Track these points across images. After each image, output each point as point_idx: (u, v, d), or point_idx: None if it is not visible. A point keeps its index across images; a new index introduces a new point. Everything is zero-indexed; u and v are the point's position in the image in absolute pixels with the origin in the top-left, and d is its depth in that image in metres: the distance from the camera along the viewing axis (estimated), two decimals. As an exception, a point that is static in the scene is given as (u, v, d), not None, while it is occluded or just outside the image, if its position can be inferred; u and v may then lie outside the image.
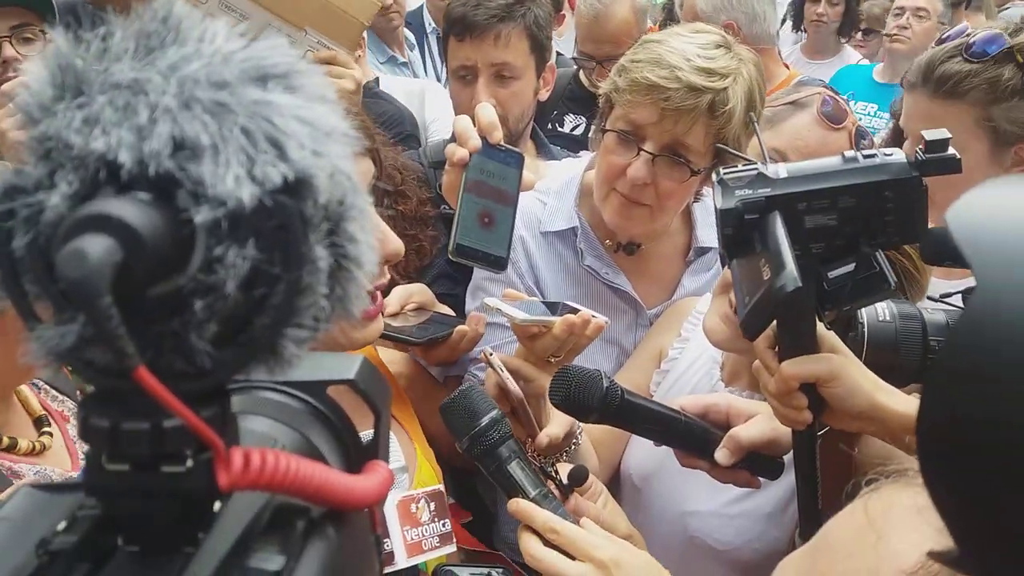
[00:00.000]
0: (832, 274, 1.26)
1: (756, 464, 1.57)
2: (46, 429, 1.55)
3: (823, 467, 1.42)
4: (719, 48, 1.80)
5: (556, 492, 1.44)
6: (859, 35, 5.56)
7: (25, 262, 0.44)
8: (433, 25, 4.84)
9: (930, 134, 1.25)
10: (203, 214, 0.42)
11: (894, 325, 1.44)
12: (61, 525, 0.47)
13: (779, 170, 1.25)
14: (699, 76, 1.74)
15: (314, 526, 0.49)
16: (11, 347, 1.36)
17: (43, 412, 1.58)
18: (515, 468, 1.42)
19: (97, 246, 0.39)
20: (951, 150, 1.24)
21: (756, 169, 1.25)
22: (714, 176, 1.28)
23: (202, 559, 0.45)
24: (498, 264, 1.68)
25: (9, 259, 0.44)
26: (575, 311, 1.64)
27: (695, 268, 2.11)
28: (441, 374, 2.02)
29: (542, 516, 1.36)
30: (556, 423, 1.64)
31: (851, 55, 5.30)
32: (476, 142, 1.65)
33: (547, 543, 1.34)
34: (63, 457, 1.57)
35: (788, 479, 1.60)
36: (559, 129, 3.51)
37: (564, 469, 1.48)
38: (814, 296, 1.27)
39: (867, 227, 1.25)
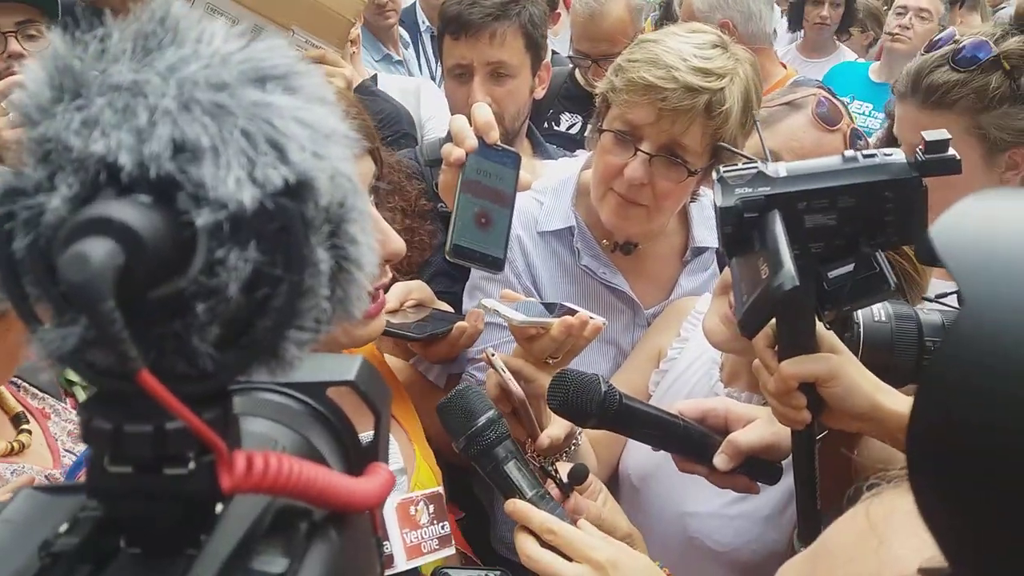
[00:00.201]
0: (832, 274, 1.25)
1: (755, 469, 1.57)
2: (24, 427, 1.54)
3: (822, 470, 1.42)
4: (716, 48, 1.80)
5: (556, 492, 1.45)
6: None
7: (25, 264, 0.44)
8: (427, 23, 4.83)
9: (930, 135, 1.24)
10: (204, 217, 0.42)
11: (890, 326, 1.43)
12: (63, 527, 0.47)
13: (779, 169, 1.25)
14: (696, 76, 1.74)
15: (316, 528, 0.49)
16: None
17: (21, 409, 1.57)
18: (512, 468, 1.42)
19: (99, 249, 0.38)
20: (951, 151, 1.24)
21: (756, 167, 1.25)
22: (714, 174, 1.28)
23: (204, 561, 0.45)
24: (495, 265, 1.68)
25: (9, 261, 0.44)
26: (573, 312, 1.64)
27: (692, 268, 2.11)
28: (441, 374, 2.02)
29: (539, 517, 1.36)
30: (557, 424, 1.64)
31: (847, 54, 5.31)
32: (472, 142, 1.65)
33: (544, 544, 1.34)
34: (44, 455, 1.56)
35: (786, 481, 1.60)
36: (555, 128, 3.51)
37: (564, 468, 1.48)
38: (814, 296, 1.27)
39: (867, 227, 1.25)
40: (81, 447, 1.57)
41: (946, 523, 0.51)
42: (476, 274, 2.04)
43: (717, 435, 1.58)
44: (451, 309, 2.03)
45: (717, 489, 1.63)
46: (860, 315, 1.44)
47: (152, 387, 0.40)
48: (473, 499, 2.10)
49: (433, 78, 4.42)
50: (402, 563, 1.42)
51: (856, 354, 1.40)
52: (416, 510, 1.46)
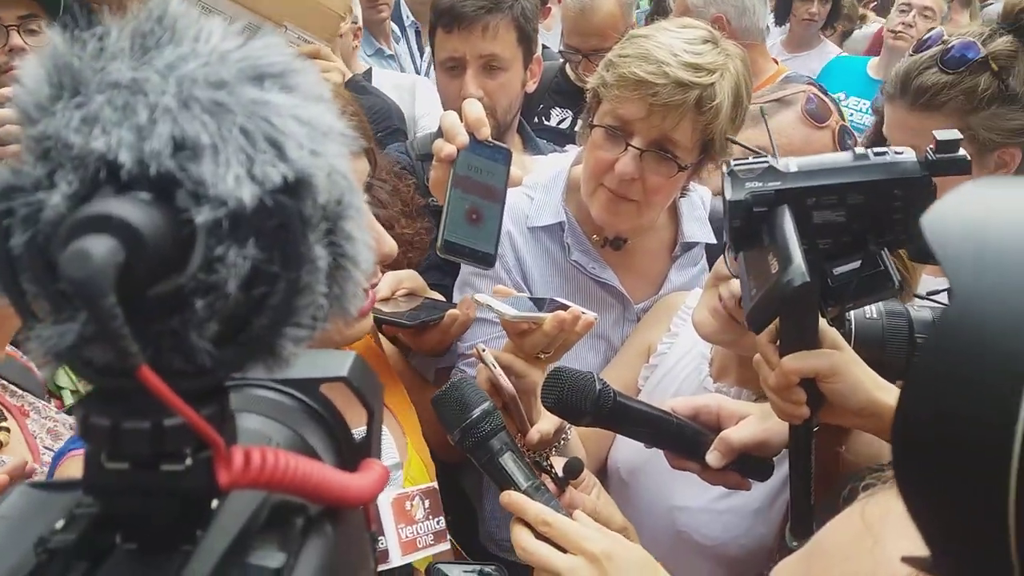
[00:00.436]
0: (837, 271, 1.26)
1: (746, 466, 1.58)
2: (2, 424, 1.54)
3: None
4: (706, 43, 1.81)
5: (551, 486, 1.45)
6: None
7: (23, 260, 0.44)
8: (411, 18, 4.83)
9: (941, 134, 1.25)
10: (204, 214, 0.42)
11: (881, 322, 1.44)
12: (59, 523, 0.47)
13: (789, 164, 1.25)
14: (686, 71, 1.75)
15: (312, 524, 0.49)
16: None
17: None
18: (507, 460, 1.43)
19: (100, 247, 0.39)
20: (961, 151, 1.24)
21: (767, 162, 1.25)
22: (724, 167, 1.28)
23: (201, 557, 0.45)
24: (486, 260, 1.68)
25: (7, 258, 0.44)
26: (564, 307, 1.64)
27: (681, 263, 2.12)
28: (431, 367, 2.03)
29: (534, 508, 1.36)
30: (546, 419, 1.65)
31: (831, 48, 5.32)
32: (464, 138, 1.65)
33: (539, 536, 1.34)
34: (22, 452, 1.56)
35: (775, 476, 1.61)
36: (545, 123, 3.51)
37: (559, 462, 1.49)
38: (819, 292, 1.27)
39: (875, 225, 1.26)
40: (60, 444, 1.57)
41: (927, 514, 0.52)
42: (466, 269, 2.04)
43: (709, 432, 1.58)
44: (443, 298, 2.04)
45: (705, 483, 1.64)
46: (852, 312, 1.45)
47: (152, 383, 0.40)
48: (459, 497, 2.10)
49: (417, 71, 4.42)
50: (397, 558, 1.42)
51: (848, 350, 1.41)
52: (411, 505, 1.46)
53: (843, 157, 1.27)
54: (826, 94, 2.27)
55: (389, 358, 1.93)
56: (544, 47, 3.67)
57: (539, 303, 1.70)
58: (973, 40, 1.94)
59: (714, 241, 2.12)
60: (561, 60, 3.65)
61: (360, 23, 3.74)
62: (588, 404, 1.54)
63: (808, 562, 0.81)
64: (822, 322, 1.34)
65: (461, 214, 1.65)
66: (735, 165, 1.26)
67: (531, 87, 2.63)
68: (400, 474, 1.60)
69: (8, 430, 1.54)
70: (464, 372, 1.94)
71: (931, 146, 1.25)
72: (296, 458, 0.46)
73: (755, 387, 1.70)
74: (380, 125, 2.88)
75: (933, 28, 4.08)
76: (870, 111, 4.52)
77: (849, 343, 1.41)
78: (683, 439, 1.60)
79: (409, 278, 1.97)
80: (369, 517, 0.61)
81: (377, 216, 1.95)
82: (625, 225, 1.98)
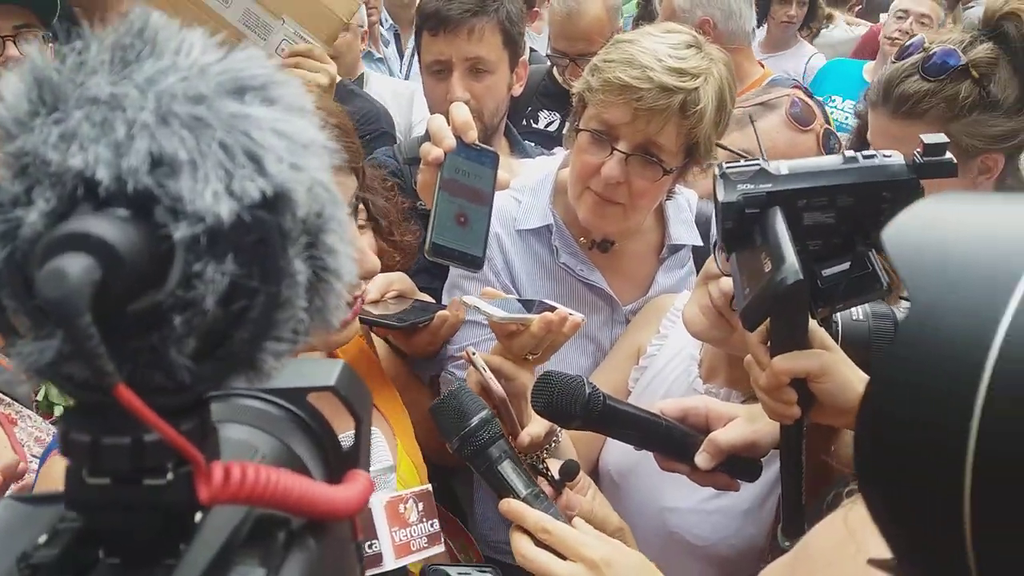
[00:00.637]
0: (827, 272, 1.27)
1: (735, 467, 1.58)
2: None
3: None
4: (690, 48, 1.81)
5: (547, 488, 1.45)
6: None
7: (2, 277, 0.44)
8: (391, 22, 4.83)
9: (929, 138, 1.27)
10: (182, 230, 0.42)
11: (867, 323, 1.45)
12: (42, 538, 0.47)
13: (780, 166, 1.27)
14: (671, 76, 1.75)
15: (294, 537, 0.49)
16: None
17: None
18: (506, 468, 1.43)
19: (76, 266, 0.39)
20: (948, 154, 1.26)
21: (758, 164, 1.27)
22: (716, 170, 1.30)
23: (183, 571, 0.45)
24: (474, 263, 1.69)
25: (-13, 274, 0.44)
26: (551, 308, 1.65)
27: (669, 265, 2.13)
28: (426, 373, 2.03)
29: (533, 516, 1.37)
30: (537, 422, 1.65)
31: (807, 48, 5.33)
32: (451, 141, 1.65)
33: (539, 543, 1.35)
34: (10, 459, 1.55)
35: (764, 476, 1.62)
36: (534, 125, 3.51)
37: (554, 465, 1.49)
38: (809, 293, 1.28)
39: (864, 227, 1.27)
40: None
41: (888, 520, 0.53)
42: (455, 272, 2.05)
43: (698, 434, 1.59)
44: (433, 301, 2.04)
45: (696, 485, 1.64)
46: (838, 313, 1.45)
47: (129, 401, 0.40)
48: (449, 498, 2.10)
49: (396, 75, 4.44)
50: (391, 561, 1.42)
51: (834, 351, 1.41)
52: (405, 508, 1.46)
53: (833, 160, 1.29)
54: (811, 97, 2.27)
55: (382, 360, 1.93)
56: (532, 50, 3.68)
57: (528, 305, 1.71)
58: (953, 48, 1.94)
59: (701, 243, 2.13)
60: (549, 63, 3.65)
61: (366, 26, 3.74)
62: (578, 408, 1.54)
63: (793, 567, 0.81)
64: (812, 323, 1.34)
65: (449, 217, 1.65)
66: (727, 168, 1.28)
67: (517, 90, 2.63)
68: (393, 477, 1.60)
69: None
70: (453, 374, 1.94)
71: (918, 149, 1.27)
72: (277, 472, 0.46)
73: (744, 387, 1.71)
74: (368, 128, 2.88)
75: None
76: (859, 115, 4.52)
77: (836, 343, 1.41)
78: (672, 441, 1.60)
79: (399, 280, 1.97)
80: (356, 527, 0.61)
81: (376, 228, 1.97)
82: (612, 228, 1.99)
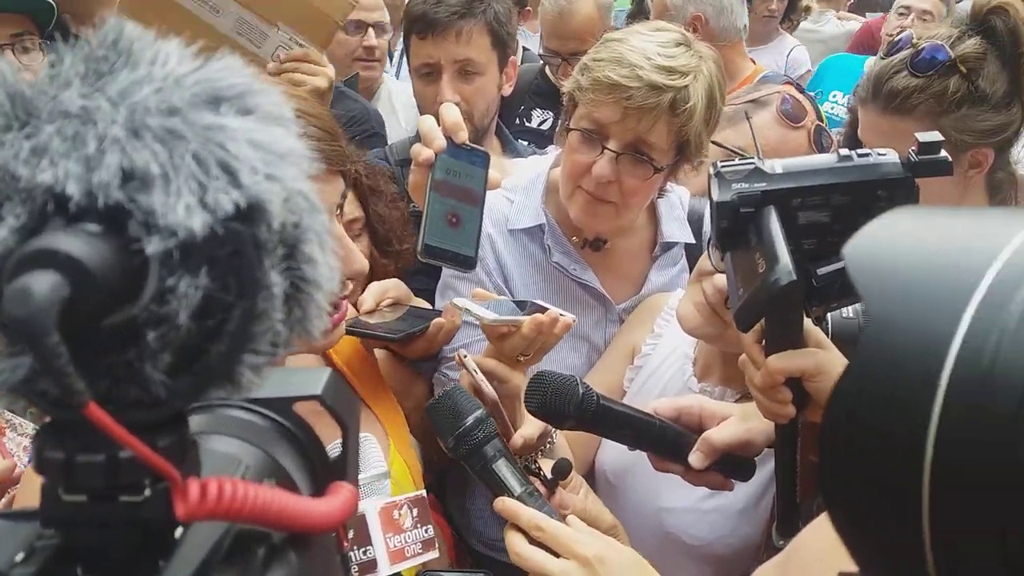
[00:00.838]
0: (821, 271, 1.27)
1: (729, 466, 1.58)
2: None
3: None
4: (679, 46, 1.81)
5: (541, 488, 1.46)
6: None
7: None
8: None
9: (923, 136, 1.26)
10: (154, 245, 0.42)
11: (858, 321, 1.45)
12: (19, 556, 0.47)
13: (775, 165, 1.26)
14: (660, 74, 1.75)
15: (275, 552, 0.49)
16: None
17: None
18: (501, 466, 1.44)
19: (43, 284, 0.38)
20: (943, 152, 1.26)
21: (753, 163, 1.26)
22: (711, 169, 1.29)
23: (162, 588, 0.45)
24: (466, 264, 1.69)
25: (-42, 290, 0.43)
26: (543, 309, 1.64)
27: (661, 263, 2.12)
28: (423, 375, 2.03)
29: (527, 514, 1.37)
30: (530, 423, 1.65)
31: (788, 41, 5.33)
32: (441, 142, 1.65)
33: (532, 541, 1.35)
34: None
35: (760, 476, 1.62)
36: (527, 124, 3.51)
37: (547, 464, 1.50)
38: (803, 292, 1.28)
39: (859, 226, 1.26)
40: None
41: (850, 530, 0.53)
42: (447, 273, 2.04)
43: (692, 433, 1.59)
44: (429, 305, 2.03)
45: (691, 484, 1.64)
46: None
47: (100, 420, 0.40)
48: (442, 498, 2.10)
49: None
50: (385, 568, 1.42)
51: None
52: (400, 514, 1.46)
53: (827, 158, 1.28)
54: (802, 93, 2.27)
55: (380, 359, 1.93)
56: (525, 49, 3.67)
57: (521, 305, 1.71)
58: (942, 43, 1.94)
59: (693, 241, 2.12)
60: (541, 62, 3.64)
61: (390, 33, 3.73)
62: (571, 408, 1.54)
63: (785, 566, 0.81)
64: (807, 321, 1.34)
65: (441, 218, 1.65)
66: (722, 166, 1.27)
67: (507, 90, 2.63)
68: (387, 483, 1.60)
69: None
70: (446, 375, 1.94)
71: (913, 148, 1.27)
72: (256, 487, 0.46)
73: (739, 385, 1.71)
74: (357, 129, 2.88)
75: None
76: (855, 111, 4.51)
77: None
78: (666, 441, 1.60)
79: (394, 287, 1.96)
80: (341, 539, 0.60)
81: (372, 234, 1.96)
82: (604, 226, 1.98)
